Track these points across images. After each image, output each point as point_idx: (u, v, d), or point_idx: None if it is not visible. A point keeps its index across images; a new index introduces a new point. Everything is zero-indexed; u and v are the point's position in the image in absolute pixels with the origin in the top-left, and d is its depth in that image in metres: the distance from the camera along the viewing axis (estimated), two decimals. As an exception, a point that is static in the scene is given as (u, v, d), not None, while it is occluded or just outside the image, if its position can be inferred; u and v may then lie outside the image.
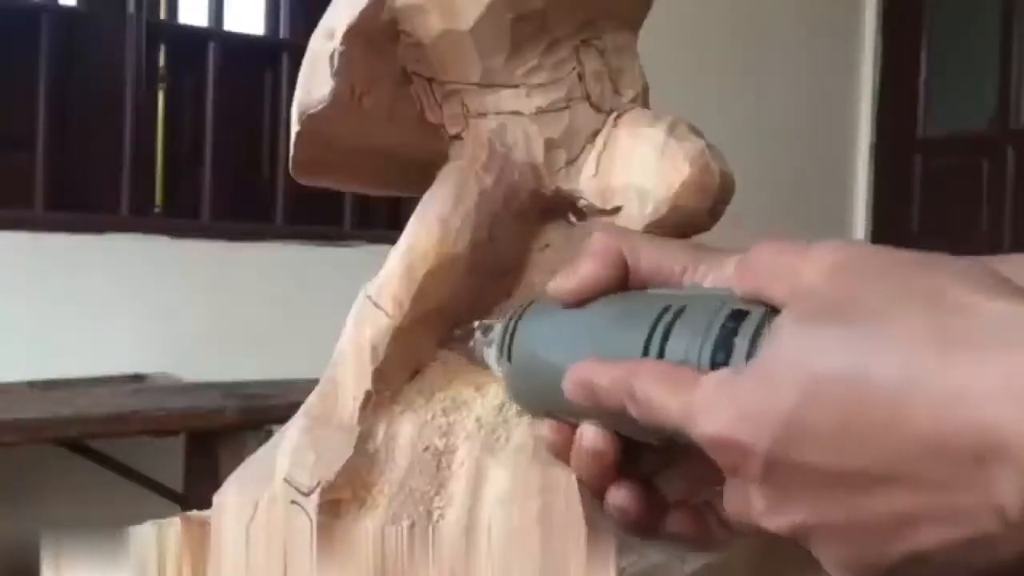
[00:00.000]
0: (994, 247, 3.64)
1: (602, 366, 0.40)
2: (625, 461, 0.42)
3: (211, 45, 2.99)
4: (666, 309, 0.39)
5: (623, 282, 0.44)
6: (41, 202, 2.74)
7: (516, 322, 0.48)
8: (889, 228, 4.16)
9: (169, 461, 2.40)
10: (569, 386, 0.41)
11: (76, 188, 2.85)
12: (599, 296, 0.44)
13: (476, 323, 0.52)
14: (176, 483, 2.41)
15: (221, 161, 2.99)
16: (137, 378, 2.64)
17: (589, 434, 0.42)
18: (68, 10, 2.90)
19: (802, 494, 0.33)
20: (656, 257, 0.43)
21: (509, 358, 0.48)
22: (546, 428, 0.45)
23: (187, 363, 2.71)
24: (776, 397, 0.33)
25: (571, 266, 0.45)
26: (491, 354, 0.50)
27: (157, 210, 3.00)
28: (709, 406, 0.35)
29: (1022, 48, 4.02)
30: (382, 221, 3.13)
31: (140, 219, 2.88)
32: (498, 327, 0.49)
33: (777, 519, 0.34)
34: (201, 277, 2.84)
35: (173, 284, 2.79)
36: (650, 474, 0.43)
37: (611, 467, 0.42)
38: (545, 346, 0.45)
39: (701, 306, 0.38)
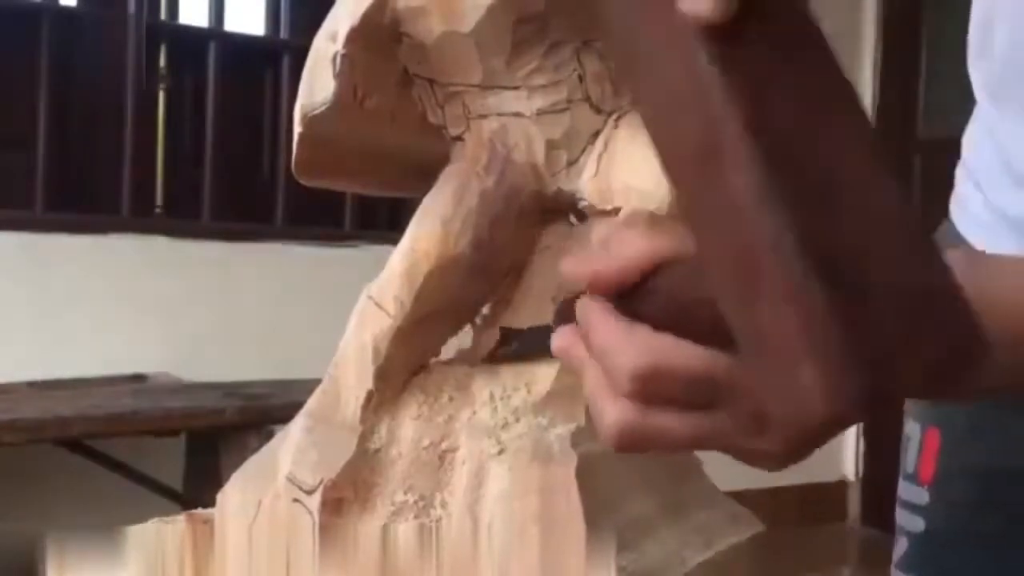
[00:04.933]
0: (993, 247, 3.62)
1: None
2: None
3: (211, 45, 2.99)
4: None
5: None
6: (41, 202, 2.74)
7: None
8: (888, 228, 4.15)
9: (169, 461, 2.40)
10: None
11: (76, 188, 2.85)
12: None
13: None
14: (176, 483, 2.41)
15: (221, 161, 2.99)
16: (137, 378, 2.64)
17: None
18: (68, 10, 2.90)
19: None
20: None
21: None
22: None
23: (187, 363, 2.71)
24: None
25: None
26: None
27: (157, 210, 3.00)
28: None
29: (1021, 49, 4.02)
30: (383, 222, 3.12)
31: (140, 219, 2.88)
32: None
33: None
34: (201, 277, 2.83)
35: (173, 284, 2.79)
36: None
37: None
38: None
39: None
